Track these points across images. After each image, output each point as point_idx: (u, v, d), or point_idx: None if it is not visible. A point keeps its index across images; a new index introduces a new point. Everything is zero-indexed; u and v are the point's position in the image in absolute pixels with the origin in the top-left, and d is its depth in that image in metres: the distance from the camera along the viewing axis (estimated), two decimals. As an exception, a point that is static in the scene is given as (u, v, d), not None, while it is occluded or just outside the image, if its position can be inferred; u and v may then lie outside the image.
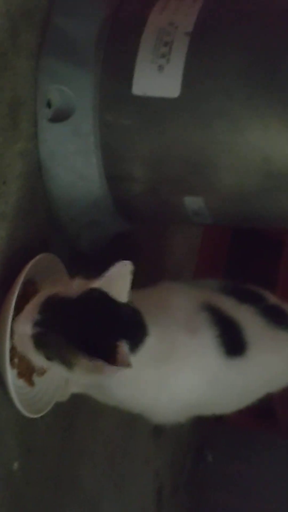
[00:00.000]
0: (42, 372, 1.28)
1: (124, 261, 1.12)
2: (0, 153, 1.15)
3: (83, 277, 1.15)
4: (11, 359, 1.18)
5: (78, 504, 1.50)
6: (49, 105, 1.26)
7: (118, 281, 1.12)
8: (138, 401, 1.25)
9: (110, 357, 1.07)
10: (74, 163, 1.29)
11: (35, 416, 1.23)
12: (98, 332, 1.11)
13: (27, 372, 1.25)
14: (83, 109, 1.26)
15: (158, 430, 1.87)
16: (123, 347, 1.09)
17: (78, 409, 1.45)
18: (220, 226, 2.04)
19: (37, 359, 1.14)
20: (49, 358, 1.13)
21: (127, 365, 1.07)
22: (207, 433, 2.30)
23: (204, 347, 1.23)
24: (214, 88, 1.20)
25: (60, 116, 1.26)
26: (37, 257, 1.21)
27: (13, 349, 1.19)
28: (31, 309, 1.13)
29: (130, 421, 1.70)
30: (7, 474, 1.22)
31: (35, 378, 1.27)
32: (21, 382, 1.24)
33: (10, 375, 1.16)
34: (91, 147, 1.28)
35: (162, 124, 1.24)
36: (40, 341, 1.12)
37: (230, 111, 1.19)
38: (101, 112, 1.26)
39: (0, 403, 1.19)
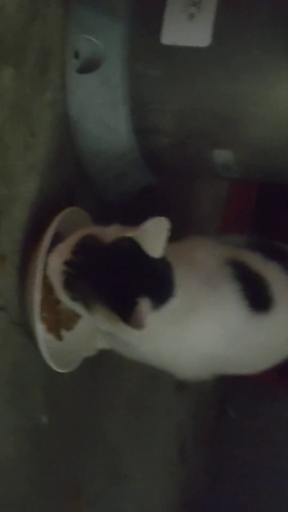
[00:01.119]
0: (70, 327, 1.28)
1: (161, 217, 1.10)
2: (29, 104, 1.14)
3: (120, 224, 1.14)
4: (40, 314, 1.18)
5: (102, 457, 1.51)
6: (77, 55, 1.24)
7: (153, 236, 1.11)
8: (158, 355, 1.24)
9: (126, 314, 1.07)
10: (102, 115, 1.27)
11: (65, 370, 1.23)
12: (123, 283, 1.10)
13: (55, 326, 1.24)
14: (112, 60, 1.24)
15: (181, 384, 1.88)
16: (143, 306, 1.08)
17: (103, 363, 1.45)
18: (246, 183, 2.02)
19: (63, 297, 1.15)
20: (73, 299, 1.14)
21: (140, 326, 1.06)
22: (229, 389, 2.30)
23: (225, 301, 1.22)
24: (246, 38, 1.18)
25: (88, 67, 1.24)
26: (66, 211, 1.20)
27: (42, 303, 1.19)
28: (66, 246, 1.14)
29: (153, 375, 1.70)
30: (35, 427, 1.23)
31: (63, 332, 1.27)
32: (49, 337, 1.24)
33: (40, 329, 1.15)
34: (119, 99, 1.26)
35: (191, 75, 1.22)
36: (68, 281, 1.12)
37: (261, 62, 1.17)
38: (130, 63, 1.23)
39: (29, 358, 1.19)
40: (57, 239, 1.24)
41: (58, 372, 1.23)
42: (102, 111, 1.27)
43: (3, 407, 1.14)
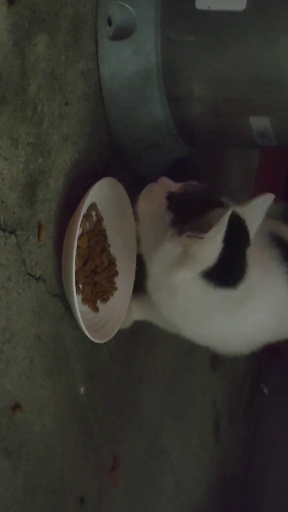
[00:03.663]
0: (106, 298, 1.27)
1: (269, 193, 1.10)
2: (63, 72, 1.12)
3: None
4: (76, 285, 1.17)
5: (140, 430, 1.50)
6: (110, 22, 1.22)
7: (255, 211, 1.11)
8: (204, 337, 1.23)
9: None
10: (135, 83, 1.25)
11: (101, 341, 1.22)
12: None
13: (91, 298, 1.23)
14: (145, 27, 1.22)
15: (216, 362, 1.87)
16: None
17: (139, 336, 1.45)
18: (278, 153, 2.00)
19: (165, 216, 1.15)
20: (174, 220, 1.14)
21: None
22: (263, 367, 2.30)
23: (277, 287, 1.21)
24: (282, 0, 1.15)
25: (121, 34, 1.22)
26: (100, 181, 1.19)
27: (77, 274, 1.18)
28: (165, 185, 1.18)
29: (188, 351, 1.69)
30: (74, 398, 1.22)
31: (99, 304, 1.26)
32: (86, 308, 1.23)
33: (76, 300, 1.14)
34: (153, 66, 1.24)
35: (226, 40, 1.19)
36: (176, 202, 1.15)
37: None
38: (163, 29, 1.21)
39: (66, 329, 1.18)
40: (92, 209, 1.23)
41: (94, 344, 1.23)
42: (135, 80, 1.25)
43: (44, 378, 1.13)
